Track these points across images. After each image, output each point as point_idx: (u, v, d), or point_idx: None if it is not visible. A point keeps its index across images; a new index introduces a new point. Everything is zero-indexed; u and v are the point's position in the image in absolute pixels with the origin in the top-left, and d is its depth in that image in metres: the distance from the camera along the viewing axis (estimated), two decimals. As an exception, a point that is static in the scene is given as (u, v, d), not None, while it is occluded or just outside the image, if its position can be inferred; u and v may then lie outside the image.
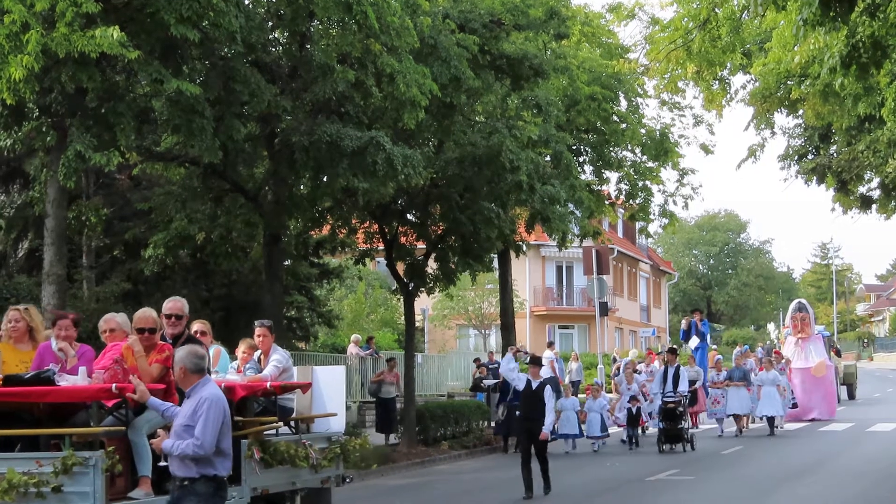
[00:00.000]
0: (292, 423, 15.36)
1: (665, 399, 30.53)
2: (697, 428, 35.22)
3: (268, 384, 14.51)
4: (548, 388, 21.19)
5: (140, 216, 29.58)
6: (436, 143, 29.82)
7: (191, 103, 19.43)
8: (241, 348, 15.76)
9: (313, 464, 14.54)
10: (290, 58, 23.76)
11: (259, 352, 15.54)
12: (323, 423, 15.67)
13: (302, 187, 26.47)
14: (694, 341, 40.93)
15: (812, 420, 39.36)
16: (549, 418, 21.09)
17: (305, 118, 23.03)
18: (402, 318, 40.03)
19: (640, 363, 38.60)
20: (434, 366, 49.23)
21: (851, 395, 54.64)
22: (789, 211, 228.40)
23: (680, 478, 24.40)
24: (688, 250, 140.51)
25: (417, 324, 46.37)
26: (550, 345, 49.84)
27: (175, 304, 13.72)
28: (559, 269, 77.48)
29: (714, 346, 45.60)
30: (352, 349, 40.73)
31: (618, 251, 76.79)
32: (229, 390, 13.13)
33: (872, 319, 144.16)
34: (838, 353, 55.95)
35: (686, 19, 23.93)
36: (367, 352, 40.79)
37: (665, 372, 31.56)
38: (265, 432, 14.03)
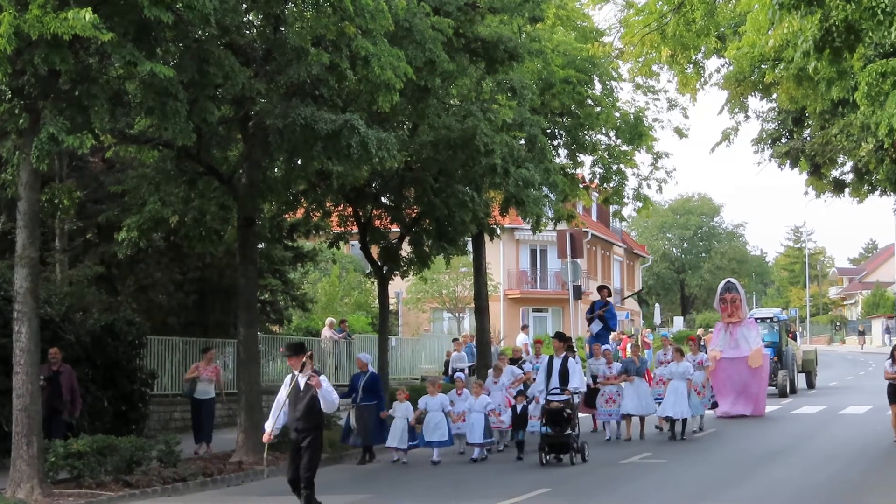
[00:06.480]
0: None
1: (549, 398, 24.80)
2: (598, 430, 30.28)
3: None
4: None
5: (113, 199, 29.49)
6: (410, 127, 29.78)
7: (164, 86, 19.32)
8: None
9: None
10: (265, 40, 23.66)
11: None
12: None
13: (276, 170, 26.39)
14: (596, 326, 34.07)
15: (734, 416, 34.15)
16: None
17: (280, 101, 22.95)
18: (377, 301, 40.05)
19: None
20: (408, 349, 49.38)
21: (810, 384, 50.34)
22: (763, 195, 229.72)
23: (653, 461, 24.51)
24: (662, 234, 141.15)
25: (391, 307, 46.38)
26: (525, 328, 49.97)
27: None
28: (533, 252, 77.57)
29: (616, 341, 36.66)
30: (326, 332, 40.81)
31: (592, 234, 76.89)
32: None
33: (845, 303, 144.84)
34: (794, 338, 52.98)
35: (660, 3, 23.99)
36: (341, 335, 40.85)
37: (549, 364, 25.62)
38: None
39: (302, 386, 16.08)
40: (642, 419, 29.62)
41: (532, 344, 33.75)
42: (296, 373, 16.28)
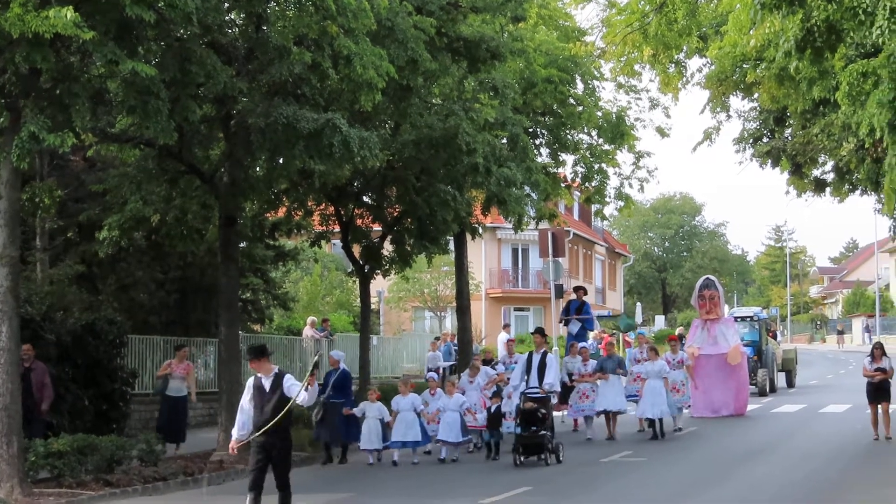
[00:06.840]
0: None
1: (527, 394, 24.29)
2: (579, 430, 30.48)
3: None
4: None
5: (94, 198, 29.41)
6: (392, 126, 29.78)
7: (146, 84, 19.29)
8: None
9: None
10: (247, 39, 23.63)
11: None
12: None
13: (258, 169, 26.38)
14: (574, 326, 34.23)
15: (717, 416, 33.84)
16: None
17: (262, 100, 22.92)
18: (358, 300, 40.00)
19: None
20: (389, 348, 49.36)
21: (790, 383, 49.81)
22: (744, 194, 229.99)
23: (634, 460, 24.53)
24: (643, 233, 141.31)
25: (373, 306, 46.41)
26: (506, 327, 49.93)
27: None
28: (515, 251, 77.58)
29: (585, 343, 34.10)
30: (307, 331, 40.79)
31: (573, 234, 76.92)
32: None
33: (826, 302, 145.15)
34: (774, 336, 52.40)
35: (642, 2, 23.99)
36: (323, 334, 40.82)
37: (528, 360, 24.82)
38: None
39: (268, 388, 15.33)
40: (614, 416, 29.04)
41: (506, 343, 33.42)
42: (259, 374, 15.49)
